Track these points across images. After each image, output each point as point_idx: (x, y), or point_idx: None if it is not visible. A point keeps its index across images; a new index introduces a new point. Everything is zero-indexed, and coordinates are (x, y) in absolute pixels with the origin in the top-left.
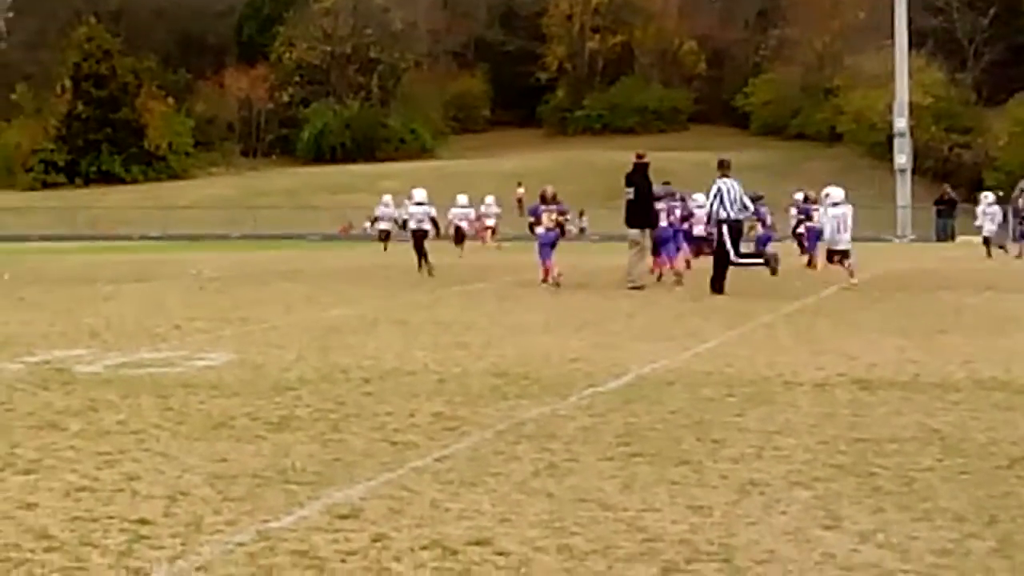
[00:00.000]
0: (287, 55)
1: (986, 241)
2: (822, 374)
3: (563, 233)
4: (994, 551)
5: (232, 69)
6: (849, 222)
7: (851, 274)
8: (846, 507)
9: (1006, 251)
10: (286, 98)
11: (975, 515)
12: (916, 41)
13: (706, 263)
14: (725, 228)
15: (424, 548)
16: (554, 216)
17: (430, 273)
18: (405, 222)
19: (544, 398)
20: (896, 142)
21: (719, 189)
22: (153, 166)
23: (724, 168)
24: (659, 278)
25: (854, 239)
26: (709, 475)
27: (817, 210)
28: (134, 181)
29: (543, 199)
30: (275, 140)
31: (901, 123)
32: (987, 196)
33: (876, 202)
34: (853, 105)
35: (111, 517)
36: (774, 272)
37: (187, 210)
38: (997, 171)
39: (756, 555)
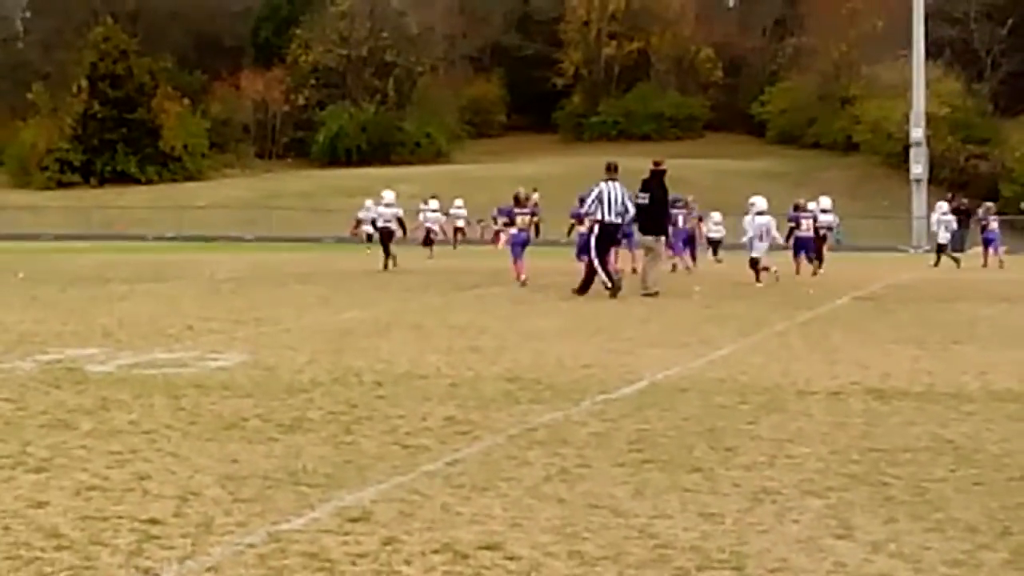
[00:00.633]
0: (303, 57)
1: (939, 249)
2: (836, 383)
3: (537, 234)
4: (1007, 563)
5: (248, 71)
6: (774, 231)
7: (757, 278)
8: (858, 516)
9: (958, 264)
10: (302, 101)
11: (988, 526)
12: (933, 51)
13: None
14: (597, 229)
15: (435, 552)
16: (527, 218)
17: (394, 265)
18: (374, 222)
19: (557, 403)
20: (912, 152)
21: (600, 191)
22: (168, 167)
23: (611, 171)
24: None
25: (868, 248)
26: (721, 483)
27: (808, 218)
28: (149, 182)
29: (516, 202)
30: (290, 142)
31: (917, 133)
32: (941, 205)
33: (891, 212)
34: (870, 114)
35: (121, 517)
36: (612, 295)
37: (202, 211)
38: (1013, 182)
39: (768, 564)
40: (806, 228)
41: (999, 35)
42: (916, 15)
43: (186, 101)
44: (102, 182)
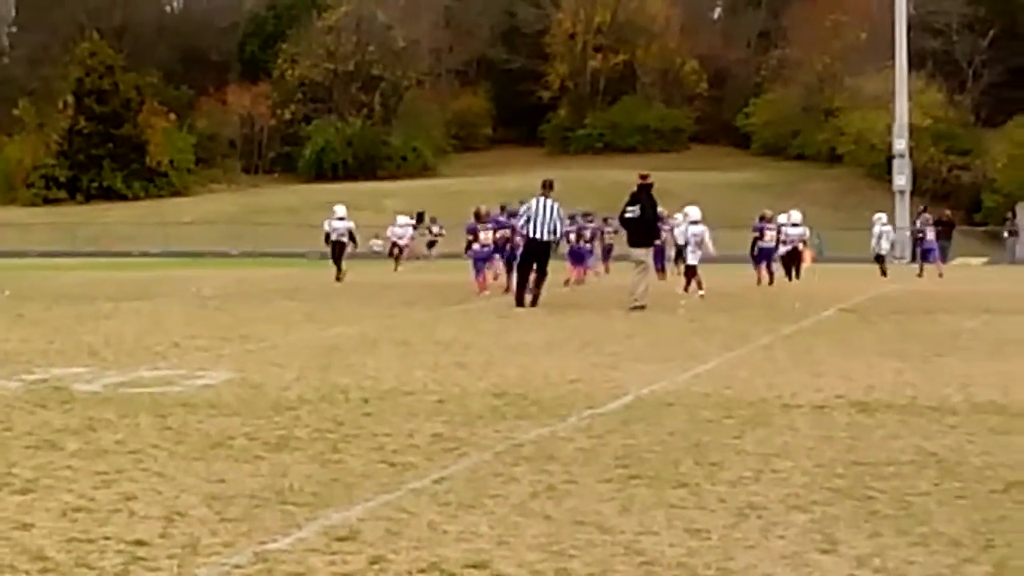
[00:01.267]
0: (289, 72)
1: (879, 259)
2: (820, 396)
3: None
4: None
5: (234, 86)
6: (707, 240)
7: (686, 290)
8: (843, 531)
9: (883, 272)
10: (288, 115)
11: (971, 540)
12: (916, 62)
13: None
14: (523, 245)
15: (422, 571)
16: (490, 234)
17: (339, 279)
18: (327, 235)
19: (543, 419)
20: (895, 163)
21: (529, 208)
22: (155, 182)
23: (545, 188)
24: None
25: (852, 260)
26: (707, 498)
27: (772, 229)
28: (135, 197)
29: (478, 217)
30: (277, 157)
31: (901, 144)
32: (881, 217)
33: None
34: (853, 126)
35: (107, 538)
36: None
37: (188, 227)
38: (995, 193)
39: None
40: (769, 239)
41: (980, 46)
42: (899, 27)
43: (172, 116)
44: (88, 198)
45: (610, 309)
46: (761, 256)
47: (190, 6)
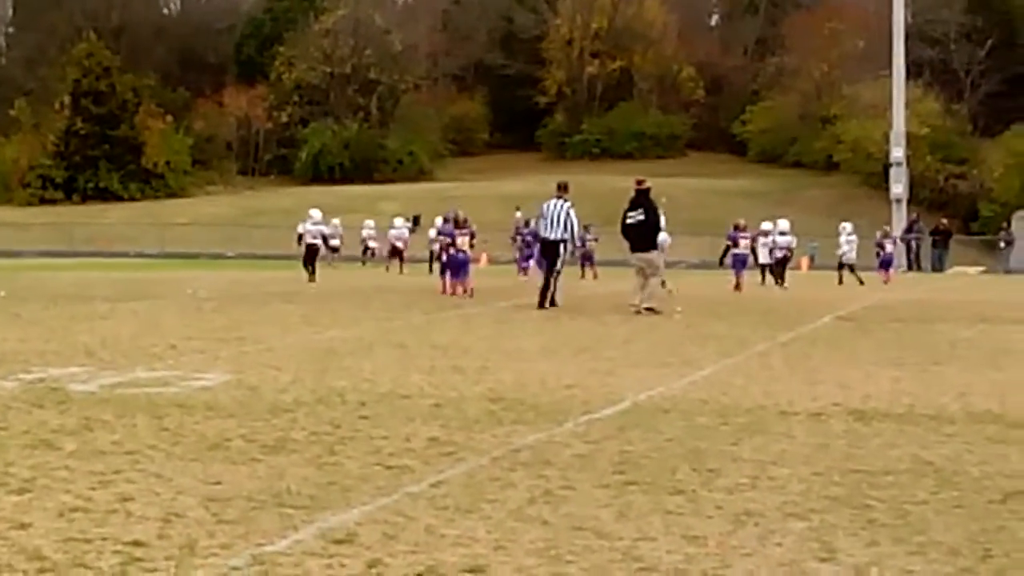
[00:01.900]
0: (286, 75)
1: (842, 267)
2: (817, 404)
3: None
4: None
5: (231, 88)
6: (665, 248)
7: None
8: (841, 539)
9: (860, 280)
10: (285, 118)
11: (969, 549)
12: (913, 71)
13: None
14: (540, 245)
15: (418, 575)
16: (466, 239)
17: (312, 281)
18: (300, 237)
19: (540, 424)
20: (892, 172)
21: (542, 209)
22: (151, 184)
23: (560, 191)
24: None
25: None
26: (704, 505)
27: (746, 238)
28: (131, 198)
29: (456, 223)
30: (273, 160)
31: (898, 153)
32: (846, 226)
33: (872, 232)
34: (850, 134)
35: (105, 538)
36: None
37: (184, 228)
38: (992, 202)
39: None
40: (744, 247)
41: (978, 56)
42: (896, 35)
43: (169, 118)
44: (84, 199)
45: (607, 315)
46: (736, 263)
47: (187, 8)
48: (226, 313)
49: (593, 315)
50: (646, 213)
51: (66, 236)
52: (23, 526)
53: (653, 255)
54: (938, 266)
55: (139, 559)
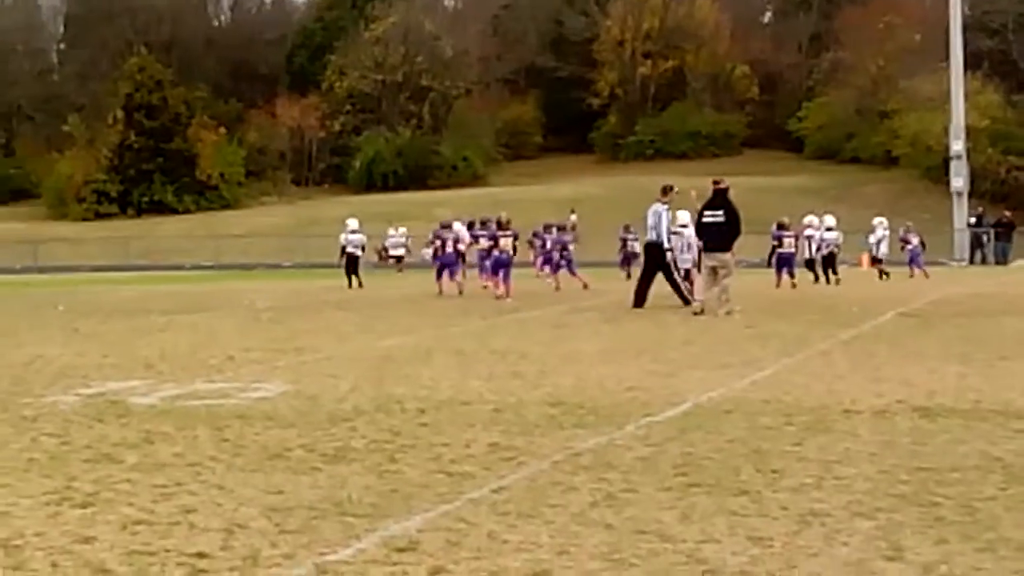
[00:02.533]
0: (338, 84)
1: (818, 264)
2: (881, 402)
3: (515, 253)
4: None
5: (283, 98)
6: (693, 244)
7: (691, 292)
8: (908, 538)
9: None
10: (338, 127)
11: None
12: (971, 63)
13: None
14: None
15: None
16: (509, 240)
17: (360, 286)
18: (343, 248)
19: (601, 428)
20: (952, 165)
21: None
22: (205, 196)
23: (662, 195)
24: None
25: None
26: (769, 505)
27: (790, 236)
28: (186, 211)
29: (499, 225)
30: (327, 169)
31: (957, 146)
32: (883, 221)
33: (932, 226)
34: (909, 128)
35: (168, 551)
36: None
37: (239, 239)
38: None
39: None
40: (788, 245)
41: None
42: (953, 27)
43: (222, 130)
44: (139, 212)
45: (666, 315)
46: (780, 262)
47: (238, 19)
48: (283, 323)
49: (652, 316)
50: (726, 213)
51: (122, 250)
52: (87, 540)
53: (728, 256)
54: (1002, 259)
55: (203, 571)
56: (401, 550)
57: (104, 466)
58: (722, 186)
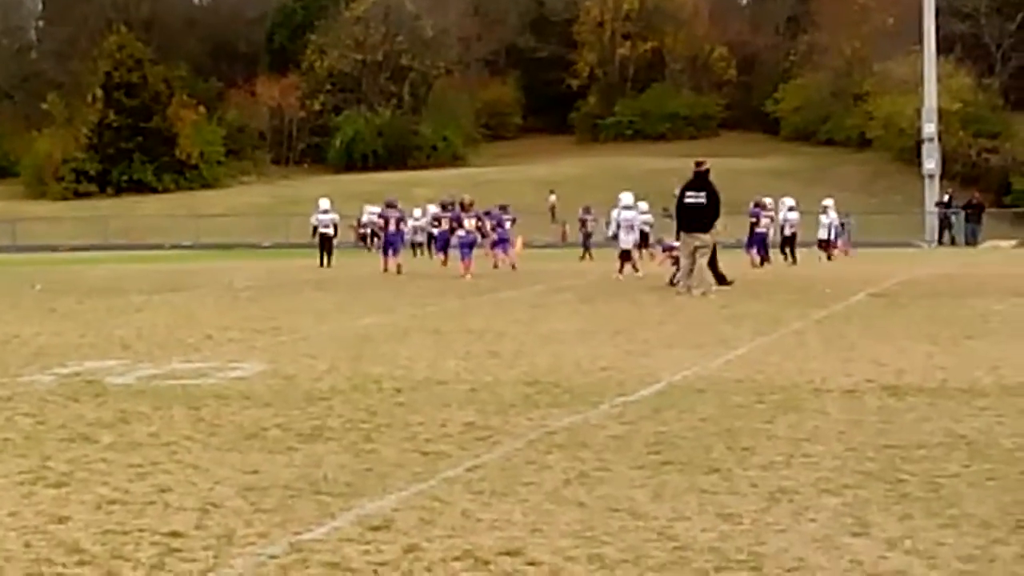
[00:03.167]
0: (318, 63)
1: (823, 244)
2: (851, 381)
3: (483, 236)
4: (1020, 557)
5: (263, 77)
6: (636, 225)
7: (636, 268)
8: (874, 514)
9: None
10: (317, 106)
11: (1001, 521)
12: (944, 46)
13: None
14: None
15: (456, 559)
16: (473, 222)
17: (328, 266)
18: (315, 228)
19: (575, 407)
20: (925, 147)
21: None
22: (185, 175)
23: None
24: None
25: (882, 244)
26: (739, 483)
27: (767, 216)
28: (165, 190)
29: (463, 207)
30: (307, 148)
31: (930, 128)
32: (786, 201)
33: (904, 207)
34: (882, 111)
35: (143, 530)
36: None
37: (219, 219)
38: None
39: (785, 563)
40: (764, 225)
41: (1008, 29)
42: (926, 10)
43: (202, 109)
44: (118, 191)
45: (642, 296)
46: (754, 240)
47: None
48: (261, 303)
49: (627, 296)
50: (708, 195)
51: (100, 229)
52: (61, 519)
53: (708, 236)
54: (971, 240)
55: (177, 550)
56: (376, 528)
57: (79, 446)
58: (704, 168)
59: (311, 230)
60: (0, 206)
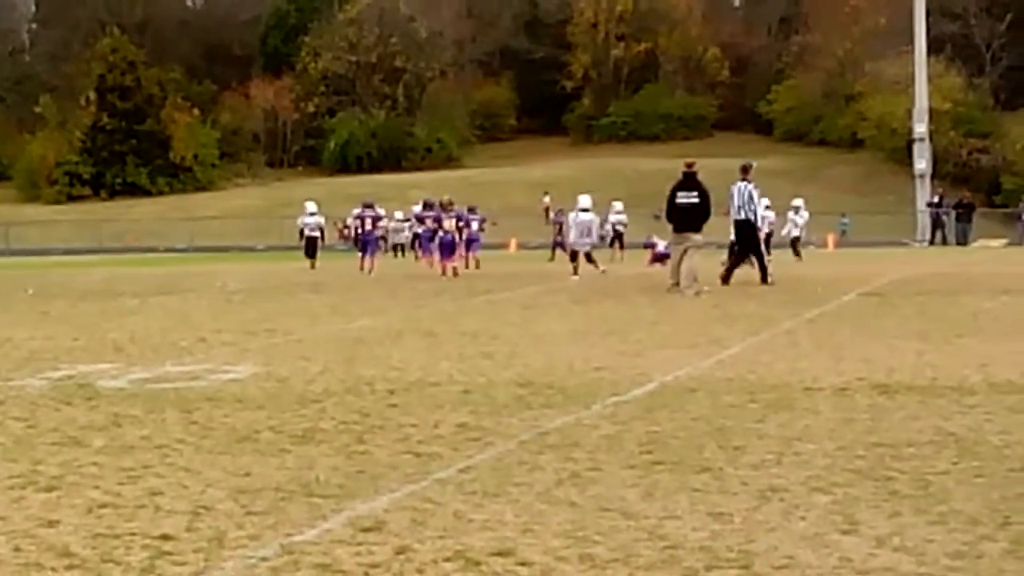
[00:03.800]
0: (312, 65)
1: (794, 242)
2: (842, 379)
3: (461, 235)
4: (1007, 552)
5: (257, 80)
6: (593, 229)
7: (596, 265)
8: (864, 511)
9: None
10: (312, 108)
11: (989, 517)
12: (935, 47)
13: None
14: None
15: (447, 560)
16: (453, 222)
17: (312, 268)
18: (301, 231)
19: (568, 407)
20: (916, 147)
21: (730, 192)
22: (179, 177)
23: (743, 173)
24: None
25: (874, 243)
26: (730, 482)
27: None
28: (159, 193)
29: (442, 207)
30: (301, 151)
31: (921, 128)
32: (800, 204)
33: (896, 207)
34: (874, 111)
35: (133, 533)
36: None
37: (213, 221)
38: (1015, 175)
39: (775, 561)
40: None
41: (998, 30)
42: (917, 11)
43: (195, 111)
44: (112, 194)
45: (635, 296)
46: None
47: (211, 1)
48: (255, 305)
49: (621, 297)
50: (700, 195)
51: (94, 233)
52: (51, 523)
53: (700, 236)
54: (962, 239)
55: (168, 553)
56: (367, 530)
57: (71, 449)
58: (693, 169)
59: (298, 233)
60: None
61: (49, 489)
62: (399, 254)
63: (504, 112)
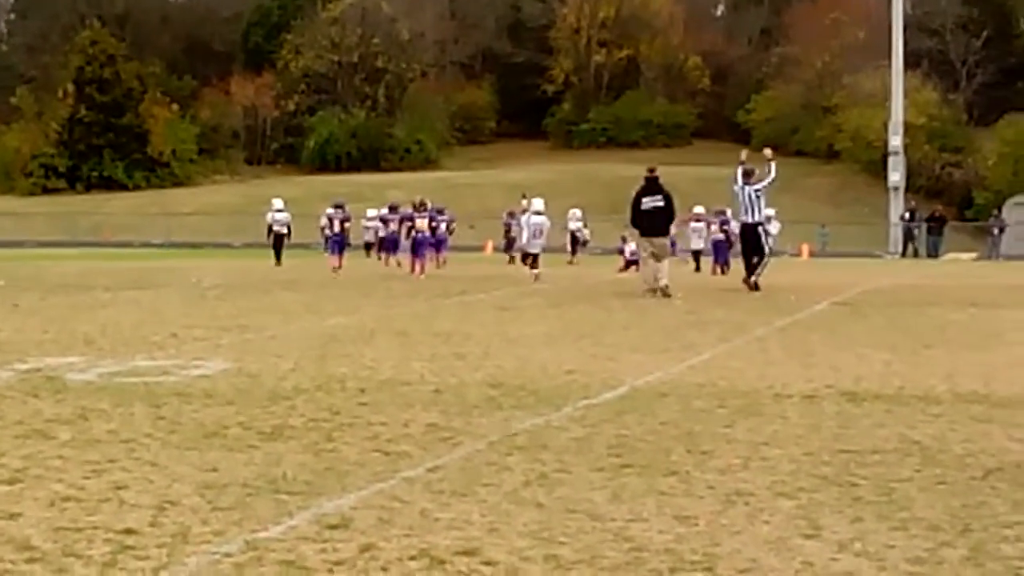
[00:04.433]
0: (293, 63)
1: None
2: (811, 386)
3: (434, 235)
4: (966, 559)
5: (238, 76)
6: (545, 231)
7: (536, 277)
8: (827, 516)
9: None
10: (292, 106)
11: (950, 524)
12: (911, 62)
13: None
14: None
15: (412, 558)
16: (426, 222)
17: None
18: (270, 227)
19: (538, 409)
20: (890, 160)
21: (738, 196)
22: (156, 173)
23: (747, 176)
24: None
25: (848, 254)
26: (696, 485)
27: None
28: (136, 187)
29: (415, 207)
30: (280, 148)
31: (896, 141)
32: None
33: (869, 218)
34: (851, 123)
35: (96, 527)
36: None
37: (190, 217)
38: (986, 190)
39: (738, 564)
40: (715, 232)
41: (974, 46)
42: (895, 26)
43: (175, 106)
44: (88, 188)
45: (609, 300)
46: (716, 250)
47: None
48: (229, 301)
49: (595, 301)
50: (665, 199)
51: (69, 226)
52: (13, 516)
53: (667, 240)
54: (933, 252)
55: (130, 547)
56: (333, 527)
57: (35, 442)
58: (655, 174)
59: (266, 230)
60: None
61: (11, 482)
62: (370, 254)
63: (484, 115)
